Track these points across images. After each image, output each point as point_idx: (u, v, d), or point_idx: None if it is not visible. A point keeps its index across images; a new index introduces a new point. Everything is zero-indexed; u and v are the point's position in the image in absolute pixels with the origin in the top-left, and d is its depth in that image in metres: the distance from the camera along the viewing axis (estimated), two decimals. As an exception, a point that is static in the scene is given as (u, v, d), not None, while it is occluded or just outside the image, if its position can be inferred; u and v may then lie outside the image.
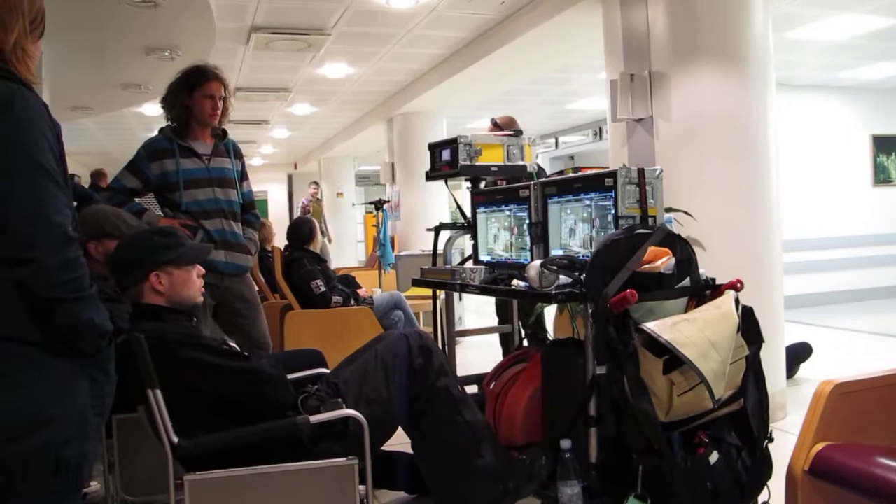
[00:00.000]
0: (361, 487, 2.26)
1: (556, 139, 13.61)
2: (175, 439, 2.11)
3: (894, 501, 2.13)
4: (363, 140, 12.79)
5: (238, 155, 3.84)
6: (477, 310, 8.24)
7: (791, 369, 4.95)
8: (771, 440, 2.44)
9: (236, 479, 2.17)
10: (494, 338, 4.59)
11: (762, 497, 2.43)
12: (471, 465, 2.53)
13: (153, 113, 9.23)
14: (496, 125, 4.99)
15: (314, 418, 2.29)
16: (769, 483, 2.42)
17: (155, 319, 2.33)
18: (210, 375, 2.25)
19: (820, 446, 2.34)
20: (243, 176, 3.85)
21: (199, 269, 2.51)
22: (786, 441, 2.46)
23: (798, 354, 5.21)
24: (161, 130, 3.69)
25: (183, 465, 2.20)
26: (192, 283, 2.46)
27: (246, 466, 2.19)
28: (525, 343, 3.35)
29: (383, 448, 2.77)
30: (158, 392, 2.08)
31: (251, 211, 3.90)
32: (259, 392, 2.34)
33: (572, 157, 14.35)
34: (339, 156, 15.61)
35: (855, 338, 7.20)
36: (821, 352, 5.60)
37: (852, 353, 6.35)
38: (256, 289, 5.15)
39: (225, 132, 3.80)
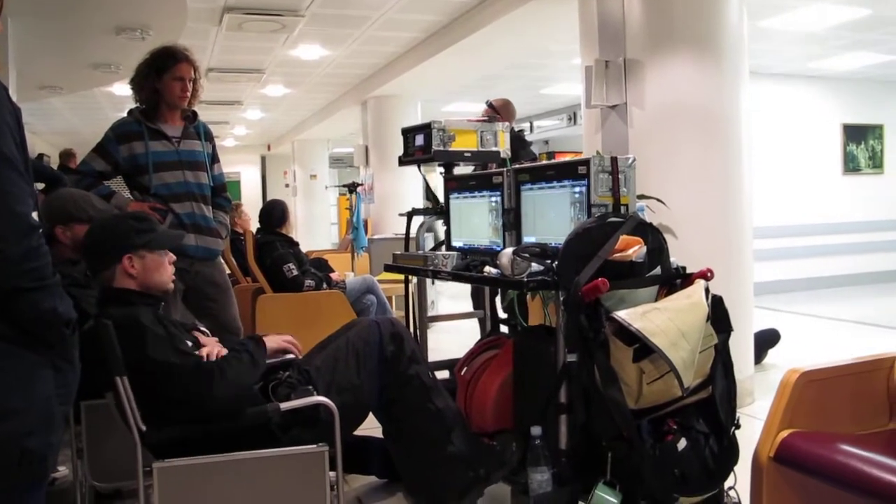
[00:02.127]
0: (332, 474, 2.26)
1: (531, 124, 13.62)
2: (143, 427, 2.09)
3: (856, 489, 2.17)
4: (337, 122, 12.73)
5: (209, 137, 3.80)
6: (451, 294, 8.25)
7: (759, 355, 5.01)
8: (738, 427, 2.46)
9: (205, 466, 2.16)
10: (467, 322, 4.60)
11: (728, 483, 2.45)
12: (441, 452, 2.53)
13: (124, 93, 9.09)
14: (492, 107, 4.97)
15: (284, 405, 2.28)
16: (735, 469, 2.45)
17: (124, 304, 2.31)
18: (159, 373, 2.20)
19: (785, 433, 2.37)
20: (214, 159, 3.82)
21: (171, 257, 2.50)
22: (753, 426, 2.50)
23: (766, 341, 5.28)
24: (130, 112, 3.64)
25: (152, 452, 2.18)
26: (165, 269, 2.44)
27: (216, 454, 2.18)
28: (505, 329, 3.36)
29: (356, 433, 2.77)
30: (126, 379, 2.06)
31: (222, 194, 3.86)
32: (198, 395, 2.23)
33: (546, 142, 14.39)
34: (313, 138, 15.52)
35: (823, 324, 7.30)
36: (789, 338, 5.68)
37: (820, 340, 6.44)
38: (228, 272, 5.13)
39: (195, 114, 3.75)
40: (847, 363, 2.62)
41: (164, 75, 3.55)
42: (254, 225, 5.98)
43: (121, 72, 7.23)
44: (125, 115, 3.67)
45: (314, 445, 2.22)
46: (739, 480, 2.46)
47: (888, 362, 2.63)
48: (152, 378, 2.15)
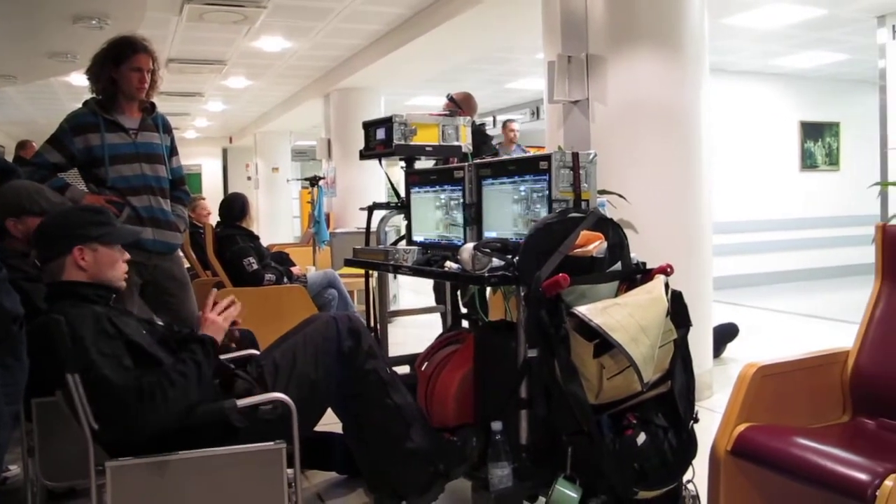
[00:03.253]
0: (290, 471, 2.23)
1: (494, 118, 13.63)
2: (95, 425, 2.05)
3: (812, 481, 2.20)
4: (300, 115, 12.64)
5: (167, 129, 3.74)
6: (413, 288, 8.23)
7: (718, 349, 5.07)
8: (696, 421, 2.48)
9: (160, 464, 2.11)
10: (430, 317, 4.59)
11: (687, 476, 2.47)
12: (401, 448, 2.52)
13: (82, 83, 8.93)
14: (453, 101, 4.96)
15: (242, 402, 2.25)
16: (694, 462, 2.47)
17: (74, 297, 2.25)
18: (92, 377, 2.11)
19: (742, 427, 2.40)
20: (173, 151, 3.76)
21: (126, 255, 2.45)
22: (711, 420, 2.52)
23: (725, 335, 5.34)
24: (86, 103, 3.56)
25: (105, 450, 2.14)
26: (117, 265, 2.40)
27: (172, 450, 2.14)
28: (466, 324, 3.35)
29: (316, 429, 2.74)
30: (77, 377, 2.01)
31: (181, 187, 3.81)
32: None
33: (510, 137, 14.40)
34: (276, 130, 15.40)
35: (781, 318, 7.41)
36: (747, 332, 5.75)
37: (778, 334, 6.53)
38: (187, 266, 5.05)
39: (153, 106, 3.69)
40: (802, 357, 2.65)
41: (121, 65, 3.49)
42: (214, 218, 5.90)
43: (78, 61, 7.08)
44: (80, 106, 3.59)
45: (272, 442, 2.19)
46: (697, 474, 2.48)
47: (842, 356, 2.68)
48: (92, 389, 2.09)
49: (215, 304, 2.48)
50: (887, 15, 7.16)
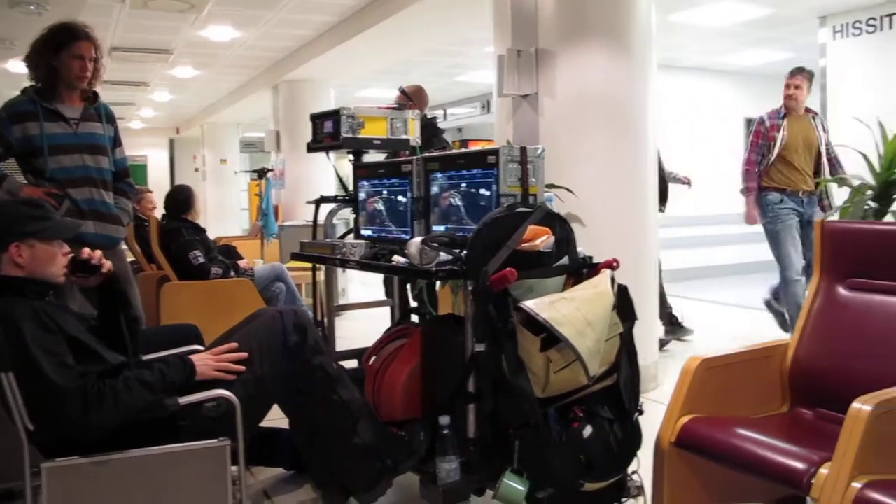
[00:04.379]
0: (234, 468, 2.20)
1: (445, 111, 13.64)
2: (31, 426, 1.99)
3: (751, 470, 2.24)
4: (248, 106, 12.50)
5: (111, 120, 3.66)
6: (363, 281, 8.19)
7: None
8: (641, 413, 2.51)
9: (98, 465, 2.07)
10: (381, 310, 4.57)
11: (632, 467, 2.50)
12: (348, 443, 2.50)
13: (20, 71, 8.72)
14: (404, 94, 4.93)
15: (185, 399, 2.21)
16: (639, 453, 2.50)
17: (11, 293, 2.19)
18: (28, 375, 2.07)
19: (686, 419, 2.44)
20: (116, 142, 3.68)
21: (65, 248, 2.39)
22: (657, 411, 2.55)
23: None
24: (24, 91, 3.47)
25: (41, 452, 2.08)
26: (56, 261, 2.34)
27: (112, 450, 2.10)
28: (416, 318, 3.35)
29: (262, 425, 2.72)
30: (11, 375, 1.96)
31: (125, 179, 3.73)
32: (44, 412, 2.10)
33: (460, 129, 14.44)
34: (224, 121, 15.21)
35: (727, 311, 7.55)
36: (693, 324, 5.86)
37: (724, 326, 6.65)
38: (132, 259, 4.96)
39: (96, 95, 3.61)
40: (744, 350, 2.71)
41: (62, 53, 3.41)
42: (161, 211, 5.79)
43: (16, 48, 6.90)
44: (18, 94, 3.49)
45: (215, 440, 2.16)
46: (643, 464, 2.51)
47: (782, 349, 2.73)
48: (29, 384, 2.04)
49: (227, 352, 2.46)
50: (828, 16, 7.34)
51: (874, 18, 6.98)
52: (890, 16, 6.87)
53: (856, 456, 1.94)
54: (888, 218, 3.12)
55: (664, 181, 5.70)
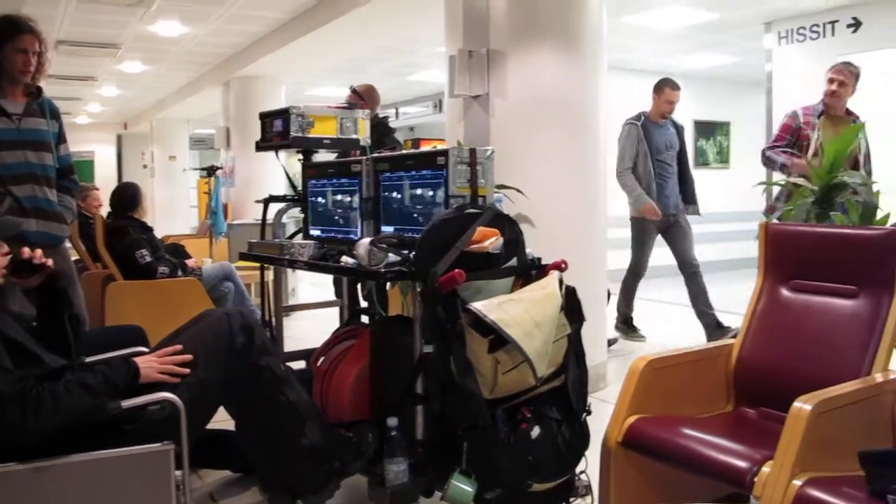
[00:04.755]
0: (178, 473, 2.17)
1: (397, 110, 13.61)
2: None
3: (695, 469, 2.28)
4: (199, 102, 12.32)
5: (55, 115, 3.58)
6: (313, 280, 8.13)
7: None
8: (589, 413, 2.54)
9: (37, 471, 2.00)
10: (330, 309, 4.54)
11: (580, 466, 2.52)
12: (295, 445, 2.48)
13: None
14: (356, 93, 4.90)
15: (127, 403, 2.16)
16: (587, 453, 2.52)
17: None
18: None
19: (633, 419, 2.47)
20: (61, 138, 3.60)
21: (4, 248, 2.32)
22: (605, 410, 2.58)
23: None
24: (-36, 86, 3.38)
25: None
26: None
27: (50, 455, 2.04)
28: (367, 319, 3.33)
29: (209, 427, 2.67)
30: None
31: (69, 176, 3.65)
32: None
33: (412, 129, 14.42)
34: (173, 118, 14.98)
35: (675, 310, 7.65)
36: (643, 324, 5.94)
37: (671, 326, 6.74)
38: (76, 258, 4.85)
39: (40, 90, 3.53)
40: (690, 351, 2.75)
41: (4, 47, 3.34)
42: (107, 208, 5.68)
43: (-45, 41, 6.69)
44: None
45: (158, 444, 2.12)
46: (590, 464, 2.54)
47: (727, 349, 2.79)
48: None
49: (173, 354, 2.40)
50: (774, 21, 7.49)
51: (817, 25, 7.14)
52: (832, 23, 7.03)
53: (796, 454, 1.98)
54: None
55: (690, 182, 5.82)
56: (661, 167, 5.70)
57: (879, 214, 2.96)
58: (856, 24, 6.85)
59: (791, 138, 4.86)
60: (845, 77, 4.82)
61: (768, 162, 4.93)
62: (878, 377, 2.36)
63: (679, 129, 5.98)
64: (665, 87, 5.82)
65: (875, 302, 2.50)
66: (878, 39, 6.65)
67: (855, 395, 2.21)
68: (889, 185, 3.90)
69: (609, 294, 5.20)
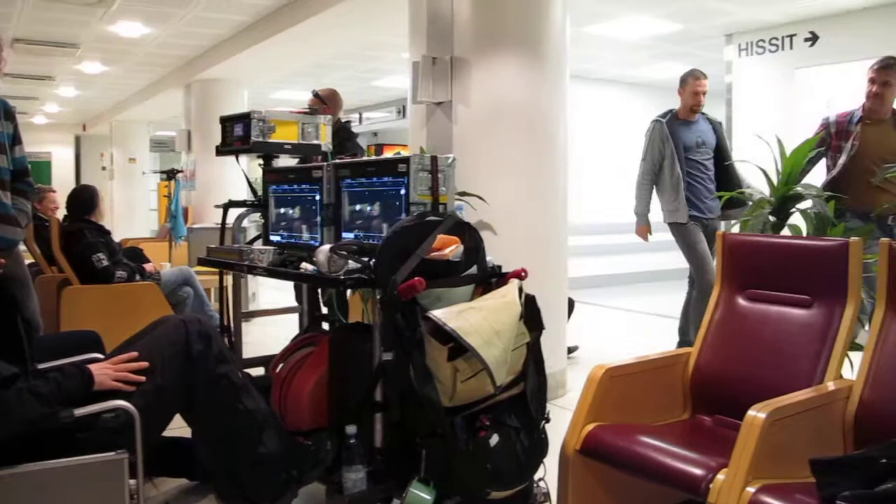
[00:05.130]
0: (132, 482, 2.13)
1: (360, 115, 13.58)
2: None
3: (651, 476, 2.30)
4: (160, 104, 12.17)
5: (9, 116, 3.50)
6: (274, 285, 8.07)
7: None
8: (548, 420, 2.55)
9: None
10: (292, 315, 4.50)
11: (539, 474, 2.53)
12: (252, 453, 2.45)
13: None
14: (318, 97, 4.88)
15: (80, 411, 2.12)
16: (546, 460, 2.53)
17: None
18: None
19: (591, 427, 2.48)
20: (15, 140, 3.52)
21: None
22: (564, 417, 2.59)
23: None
24: (-87, 84, 3.30)
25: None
26: None
27: (4, 466, 2.00)
28: (326, 326, 3.31)
29: (165, 434, 2.64)
30: None
31: (24, 179, 3.57)
32: None
33: (375, 134, 14.39)
34: (133, 119, 14.76)
35: (634, 318, 7.73)
36: (602, 331, 5.97)
37: (631, 333, 6.80)
38: (31, 261, 4.76)
39: (-8, 90, 3.45)
40: (648, 359, 2.77)
41: (-42, 45, 3.25)
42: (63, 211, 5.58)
43: None
44: None
45: (112, 453, 2.08)
46: (549, 472, 2.55)
47: (684, 357, 2.81)
48: None
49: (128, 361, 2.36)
50: (734, 34, 7.61)
51: (777, 38, 7.27)
52: (790, 37, 7.17)
53: (750, 462, 2.01)
54: (785, 231, 3.23)
55: (734, 183, 4.99)
56: (692, 166, 5.09)
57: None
58: (813, 38, 6.99)
59: (819, 149, 4.32)
60: (889, 76, 4.30)
61: None
62: (830, 385, 2.40)
63: (715, 125, 5.34)
64: (688, 79, 5.25)
65: (828, 311, 2.54)
66: (833, 54, 6.79)
67: (808, 403, 2.25)
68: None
69: (573, 303, 5.22)
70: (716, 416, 2.69)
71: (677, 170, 5.04)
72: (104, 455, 2.09)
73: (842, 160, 4.24)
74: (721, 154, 5.21)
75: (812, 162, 4.13)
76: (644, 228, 5.34)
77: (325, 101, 4.77)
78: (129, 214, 15.13)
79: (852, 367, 2.46)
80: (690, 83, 5.20)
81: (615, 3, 6.55)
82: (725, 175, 5.13)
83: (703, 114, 5.29)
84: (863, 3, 6.47)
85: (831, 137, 4.39)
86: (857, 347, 2.53)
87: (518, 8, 4.46)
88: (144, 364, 2.35)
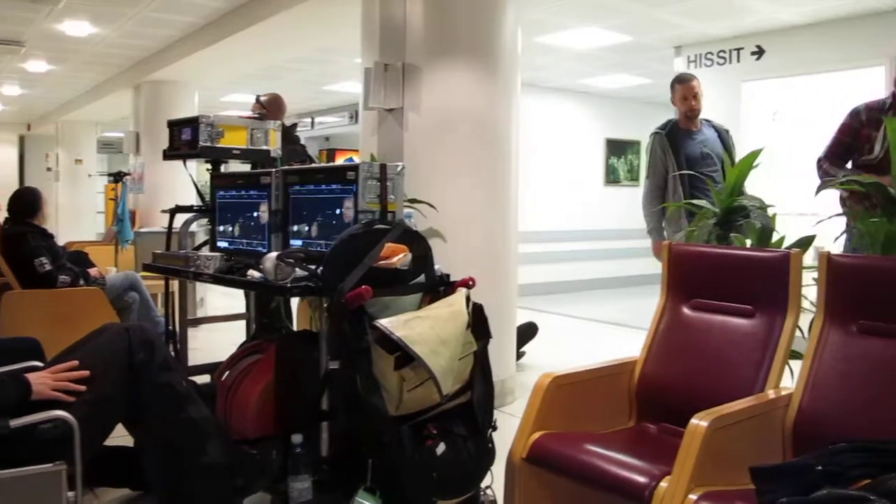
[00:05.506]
0: (70, 494, 2.08)
1: (313, 119, 13.50)
2: None
3: (596, 484, 2.31)
4: (108, 105, 11.94)
5: None
6: (224, 291, 7.97)
7: (518, 347, 5.18)
8: (495, 429, 2.56)
9: None
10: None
11: (486, 482, 2.54)
12: (196, 463, 2.42)
13: None
14: (259, 103, 4.83)
15: (17, 422, 2.07)
16: (493, 468, 2.54)
17: None
18: None
19: (537, 435, 2.49)
20: None
21: None
22: (512, 425, 2.60)
23: (524, 335, 5.50)
24: None
25: None
26: None
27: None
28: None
29: (107, 444, 2.59)
30: None
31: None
32: None
33: (328, 139, 14.31)
34: (81, 119, 14.46)
35: (583, 325, 7.80)
36: (551, 338, 6.01)
37: (579, 340, 6.86)
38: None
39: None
40: (594, 367, 2.79)
41: None
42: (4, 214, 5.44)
43: None
44: None
45: (50, 464, 2.03)
46: (496, 479, 2.55)
47: (630, 365, 2.84)
48: None
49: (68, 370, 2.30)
50: (683, 46, 7.75)
51: (724, 51, 7.41)
52: (738, 50, 7.31)
53: (693, 469, 2.03)
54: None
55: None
56: (698, 181, 4.41)
57: (775, 237, 3.07)
58: (759, 52, 7.14)
59: (850, 141, 3.93)
60: None
61: (826, 177, 3.81)
62: (771, 393, 2.44)
63: (722, 133, 4.81)
64: (675, 84, 4.80)
65: (770, 321, 2.59)
66: (779, 67, 6.94)
67: (749, 411, 2.29)
68: (790, 208, 4.09)
69: (536, 328, 5.21)
70: (661, 423, 2.72)
71: (678, 186, 4.55)
72: (41, 467, 2.04)
73: (875, 152, 3.82)
74: (724, 167, 4.46)
75: (842, 158, 3.86)
76: (655, 246, 4.66)
77: (266, 107, 4.73)
78: (75, 217, 14.82)
79: (792, 376, 2.51)
80: (678, 89, 4.77)
81: (566, 13, 6.62)
82: None
83: (707, 121, 4.83)
84: (807, 19, 6.63)
85: (862, 126, 3.94)
86: (796, 356, 2.59)
87: (471, 16, 4.48)
88: (85, 373, 2.30)
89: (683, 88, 4.70)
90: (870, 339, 2.34)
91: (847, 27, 6.55)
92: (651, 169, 4.72)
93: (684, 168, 4.51)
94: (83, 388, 2.28)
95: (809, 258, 2.69)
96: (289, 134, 5.06)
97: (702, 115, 4.79)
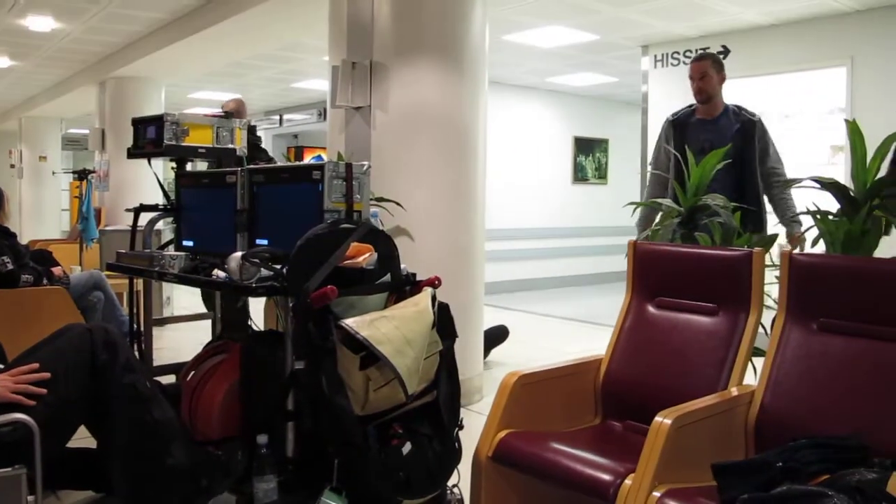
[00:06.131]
0: (31, 498, 2.05)
1: (281, 117, 13.42)
2: None
3: (562, 482, 2.33)
4: (72, 101, 11.77)
5: None
6: (191, 289, 7.90)
7: (486, 351, 5.22)
8: (461, 428, 2.56)
9: None
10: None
11: (452, 480, 2.54)
12: (160, 465, 2.39)
13: None
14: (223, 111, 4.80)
15: (-28, 424, 2.04)
16: (459, 467, 2.54)
17: None
18: None
19: (503, 434, 2.51)
20: None
21: None
22: (480, 423, 2.61)
23: (494, 338, 5.53)
24: None
25: None
26: None
27: None
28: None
29: (69, 446, 2.55)
30: None
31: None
32: None
33: (296, 136, 14.24)
34: (45, 116, 14.23)
35: (550, 322, 7.84)
36: (518, 336, 6.02)
37: (547, 337, 6.89)
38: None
39: None
40: (560, 366, 2.81)
41: None
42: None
43: None
44: None
45: (9, 468, 2.00)
46: (463, 478, 2.56)
47: (596, 364, 2.86)
48: None
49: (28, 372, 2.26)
50: (650, 45, 7.81)
51: (690, 51, 7.48)
52: (704, 49, 7.38)
53: (656, 467, 2.06)
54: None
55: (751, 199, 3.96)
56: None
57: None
58: (724, 52, 7.21)
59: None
60: None
61: None
62: (734, 391, 2.47)
63: (746, 125, 4.15)
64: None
65: (733, 319, 2.62)
66: (744, 67, 7.01)
67: (712, 408, 2.32)
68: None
69: (506, 332, 5.22)
70: (626, 421, 2.75)
71: (670, 180, 4.09)
72: (0, 471, 2.01)
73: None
74: (744, 163, 4.04)
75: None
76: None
77: (229, 114, 4.71)
78: (39, 215, 14.59)
79: (755, 373, 2.55)
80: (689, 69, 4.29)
81: (534, 12, 6.64)
82: (742, 187, 3.99)
83: (737, 110, 4.23)
84: (771, 19, 6.72)
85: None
86: (760, 353, 2.62)
87: (438, 15, 4.49)
88: (46, 375, 2.27)
89: (690, 68, 4.27)
90: (830, 337, 2.39)
91: (810, 28, 6.64)
92: (653, 158, 4.37)
93: (680, 161, 3.81)
94: (43, 391, 2.25)
95: (775, 256, 2.73)
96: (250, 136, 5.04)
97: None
